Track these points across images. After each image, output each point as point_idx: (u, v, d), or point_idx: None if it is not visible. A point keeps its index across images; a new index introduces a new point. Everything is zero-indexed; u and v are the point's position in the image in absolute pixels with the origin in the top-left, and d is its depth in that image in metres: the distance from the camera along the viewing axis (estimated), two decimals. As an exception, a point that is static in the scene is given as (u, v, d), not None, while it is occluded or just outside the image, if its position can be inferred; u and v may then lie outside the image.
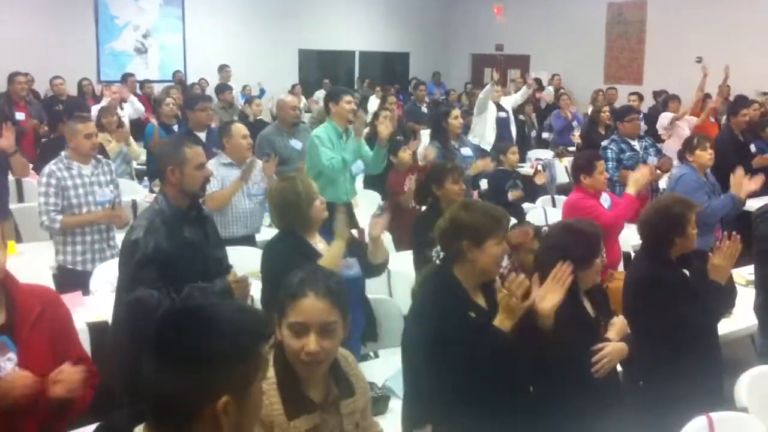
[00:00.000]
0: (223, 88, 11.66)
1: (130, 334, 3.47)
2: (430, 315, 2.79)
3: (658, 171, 6.76)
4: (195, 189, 3.56)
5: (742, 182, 5.45)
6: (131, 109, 10.13)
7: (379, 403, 3.11)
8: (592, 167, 5.09)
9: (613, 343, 3.01)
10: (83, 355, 2.84)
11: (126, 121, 9.18)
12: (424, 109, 12.66)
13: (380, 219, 3.85)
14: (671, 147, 8.68)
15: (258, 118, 9.42)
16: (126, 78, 12.42)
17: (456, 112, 7.08)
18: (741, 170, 5.54)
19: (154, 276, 3.34)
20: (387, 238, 5.36)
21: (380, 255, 3.85)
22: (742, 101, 9.63)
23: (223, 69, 13.88)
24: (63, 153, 4.91)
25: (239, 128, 5.52)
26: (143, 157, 8.31)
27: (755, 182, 5.48)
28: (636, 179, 5.10)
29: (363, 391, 2.38)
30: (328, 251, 3.63)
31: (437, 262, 2.98)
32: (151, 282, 3.34)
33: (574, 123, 10.95)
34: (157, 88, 12.92)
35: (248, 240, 5.40)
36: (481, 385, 2.67)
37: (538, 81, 14.38)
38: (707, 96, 10.67)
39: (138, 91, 12.56)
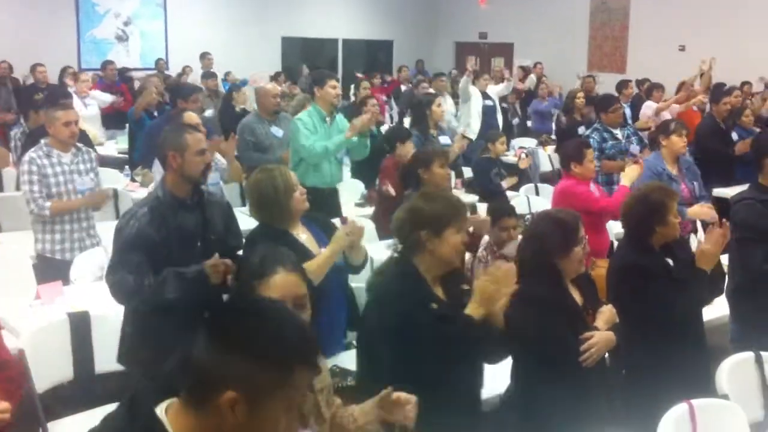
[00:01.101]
0: (208, 76, 11.59)
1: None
2: (391, 303, 2.77)
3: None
4: (196, 175, 3.53)
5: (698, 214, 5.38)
6: (95, 102, 9.99)
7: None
8: (582, 155, 5.10)
9: (601, 332, 3.01)
10: (8, 358, 2.85)
11: (92, 112, 9.15)
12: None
13: (356, 227, 3.71)
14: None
15: (241, 107, 9.36)
16: (105, 66, 12.31)
17: (439, 100, 7.09)
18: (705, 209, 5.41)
19: (136, 261, 3.31)
20: (369, 227, 5.34)
21: (358, 256, 3.78)
22: (722, 89, 9.69)
23: (204, 57, 13.78)
24: (43, 141, 4.88)
25: (192, 116, 5.49)
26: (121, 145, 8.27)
27: (706, 213, 5.42)
28: (628, 174, 5.12)
29: (325, 369, 2.41)
30: (321, 255, 3.57)
31: (395, 254, 2.95)
32: (133, 266, 3.31)
33: (553, 110, 11.06)
34: (138, 76, 12.84)
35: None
36: (444, 375, 2.67)
37: (525, 69, 14.40)
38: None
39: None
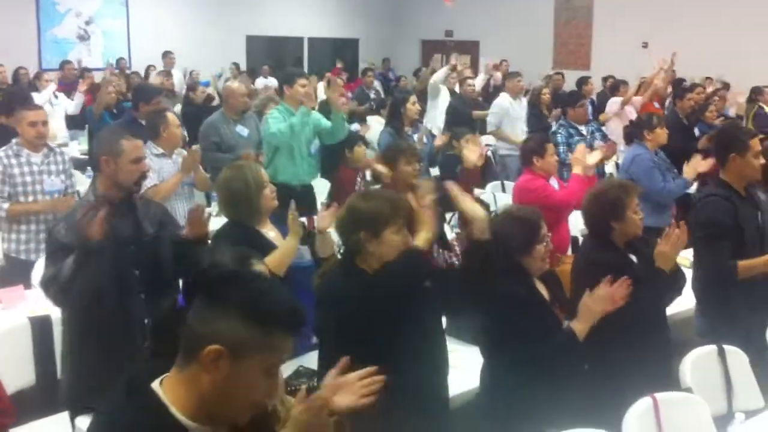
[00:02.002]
0: (164, 75, 11.46)
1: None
2: (331, 305, 2.77)
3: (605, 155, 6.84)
4: (129, 183, 3.40)
5: (696, 167, 5.58)
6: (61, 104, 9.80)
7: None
8: (544, 150, 5.13)
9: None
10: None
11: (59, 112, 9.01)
12: (372, 95, 12.70)
13: (327, 212, 3.73)
14: (614, 130, 8.81)
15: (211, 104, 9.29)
16: (63, 66, 12.13)
17: (413, 98, 7.09)
18: (697, 157, 5.65)
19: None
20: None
21: (328, 248, 3.76)
22: (684, 85, 9.81)
23: (166, 55, 13.64)
24: (14, 140, 4.84)
25: (174, 118, 5.45)
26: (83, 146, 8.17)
27: (706, 164, 5.56)
28: (576, 158, 5.22)
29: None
30: (280, 247, 3.55)
31: (338, 256, 2.93)
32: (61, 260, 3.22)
33: None
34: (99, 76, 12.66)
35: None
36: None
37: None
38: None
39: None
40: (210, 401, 1.59)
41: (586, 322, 3.05)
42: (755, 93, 11.09)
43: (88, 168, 7.55)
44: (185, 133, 7.05)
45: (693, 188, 6.59)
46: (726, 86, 11.95)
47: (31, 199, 4.76)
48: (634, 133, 6.18)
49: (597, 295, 3.06)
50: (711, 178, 4.43)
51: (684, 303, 4.37)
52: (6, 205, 4.68)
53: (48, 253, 3.33)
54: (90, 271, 3.10)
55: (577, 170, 5.11)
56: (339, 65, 14.98)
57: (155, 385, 1.62)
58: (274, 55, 17.32)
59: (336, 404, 1.98)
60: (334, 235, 3.37)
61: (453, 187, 3.02)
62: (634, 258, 3.53)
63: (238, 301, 1.57)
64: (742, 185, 4.05)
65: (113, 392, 1.64)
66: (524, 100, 9.11)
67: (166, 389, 1.61)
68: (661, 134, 6.03)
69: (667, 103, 10.14)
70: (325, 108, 7.57)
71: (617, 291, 3.06)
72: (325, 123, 6.06)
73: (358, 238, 2.75)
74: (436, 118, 9.16)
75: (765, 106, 10.44)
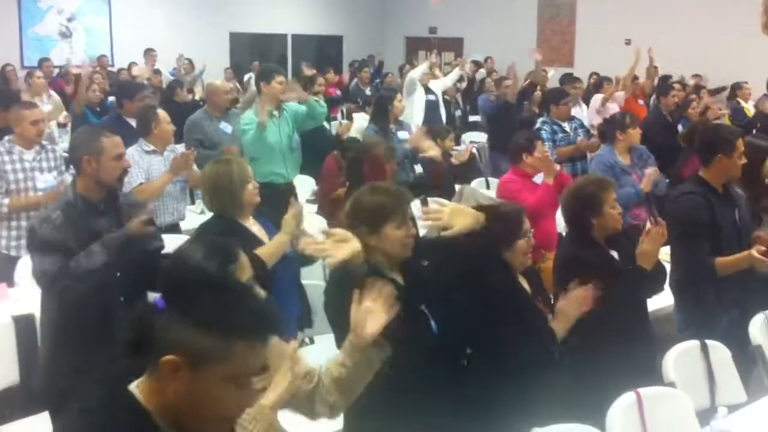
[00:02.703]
0: (153, 73, 11.44)
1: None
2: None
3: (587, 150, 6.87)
4: (111, 180, 3.40)
5: (650, 181, 5.57)
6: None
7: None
8: (533, 146, 5.15)
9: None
10: None
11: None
12: (368, 92, 12.69)
13: (290, 215, 3.71)
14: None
15: (195, 99, 9.25)
16: (41, 63, 12.05)
17: (400, 95, 7.08)
18: (653, 172, 5.65)
19: (58, 260, 3.22)
20: (322, 223, 5.32)
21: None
22: (668, 82, 9.87)
23: (148, 53, 13.55)
24: (6, 137, 4.84)
25: (165, 114, 5.43)
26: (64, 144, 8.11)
27: (655, 173, 5.60)
28: (550, 170, 5.10)
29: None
30: (272, 241, 3.58)
31: None
32: (55, 262, 3.21)
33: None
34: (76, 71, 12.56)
35: (174, 228, 5.33)
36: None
37: (476, 63, 14.45)
38: (635, 78, 10.91)
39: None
40: (177, 412, 1.53)
41: (564, 325, 3.09)
42: (735, 89, 11.19)
43: (71, 166, 7.52)
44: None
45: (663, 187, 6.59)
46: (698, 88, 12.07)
47: (22, 195, 4.76)
48: (606, 132, 6.13)
49: (571, 297, 3.10)
50: (689, 176, 4.45)
51: (666, 299, 4.42)
52: (6, 201, 4.70)
53: (35, 249, 3.28)
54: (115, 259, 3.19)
55: (548, 179, 5.07)
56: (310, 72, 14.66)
57: (134, 388, 1.57)
58: (258, 52, 17.26)
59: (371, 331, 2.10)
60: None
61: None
62: (615, 254, 3.56)
63: (196, 308, 1.51)
64: (721, 183, 4.08)
65: (91, 392, 1.60)
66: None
67: (143, 394, 1.56)
68: (634, 134, 5.91)
69: (651, 99, 10.18)
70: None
71: (588, 294, 3.09)
72: (302, 109, 6.03)
73: (359, 233, 2.68)
74: (412, 115, 9.16)
75: (742, 101, 10.53)
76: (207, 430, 1.57)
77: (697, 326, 3.91)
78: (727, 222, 3.99)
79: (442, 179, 6.70)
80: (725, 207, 4.04)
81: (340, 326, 2.48)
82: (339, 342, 2.54)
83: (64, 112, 8.68)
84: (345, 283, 2.46)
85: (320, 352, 3.54)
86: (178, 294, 1.56)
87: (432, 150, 6.15)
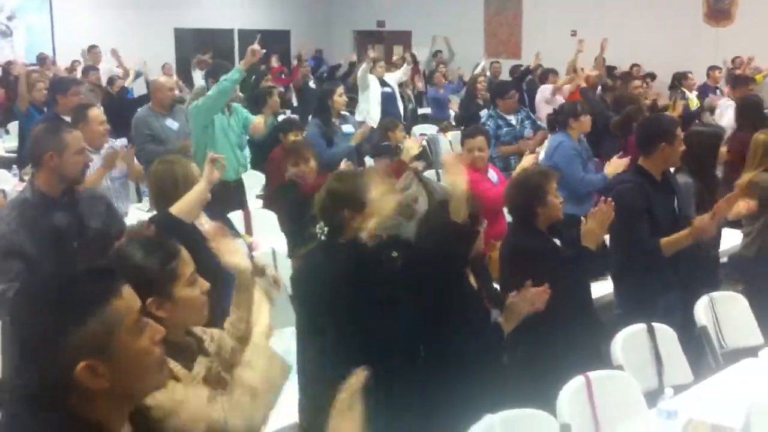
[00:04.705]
0: (88, 70, 11.22)
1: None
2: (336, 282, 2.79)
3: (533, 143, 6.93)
4: (74, 174, 3.43)
5: (617, 167, 5.59)
6: None
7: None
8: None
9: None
10: None
11: None
12: (312, 85, 12.65)
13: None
14: (546, 118, 8.95)
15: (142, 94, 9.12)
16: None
17: (341, 89, 7.06)
18: (619, 160, 5.70)
19: (15, 269, 3.18)
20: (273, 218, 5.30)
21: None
22: (614, 73, 10.05)
23: (91, 50, 13.28)
24: None
25: (97, 114, 5.27)
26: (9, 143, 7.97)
27: (624, 163, 5.67)
28: (523, 164, 5.19)
29: (220, 333, 2.40)
30: (186, 195, 3.47)
31: (322, 237, 2.96)
32: (12, 275, 3.17)
33: (451, 96, 11.27)
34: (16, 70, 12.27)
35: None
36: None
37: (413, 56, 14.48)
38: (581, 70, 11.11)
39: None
40: (120, 402, 1.56)
41: (512, 321, 3.13)
42: (678, 79, 11.41)
43: (14, 166, 7.36)
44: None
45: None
46: (652, 76, 12.33)
47: None
48: (559, 121, 6.27)
49: (523, 295, 3.14)
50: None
51: (611, 286, 4.50)
52: None
53: None
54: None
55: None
56: (276, 64, 14.63)
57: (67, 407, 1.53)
58: (203, 48, 17.03)
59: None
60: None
61: (446, 157, 3.08)
62: (557, 241, 3.62)
63: (62, 311, 1.48)
64: (660, 172, 4.17)
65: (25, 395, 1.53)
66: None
67: (79, 412, 1.52)
68: (586, 122, 6.14)
69: (598, 90, 10.32)
70: (252, 101, 7.55)
71: (539, 296, 3.14)
72: (252, 118, 6.06)
73: (342, 217, 2.87)
74: (369, 110, 9.16)
75: (686, 92, 10.74)
76: (149, 384, 1.60)
77: (637, 311, 3.98)
78: (665, 210, 4.08)
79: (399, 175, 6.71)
80: (664, 195, 4.12)
81: None
82: None
83: None
84: None
85: (277, 345, 3.54)
86: (41, 312, 1.49)
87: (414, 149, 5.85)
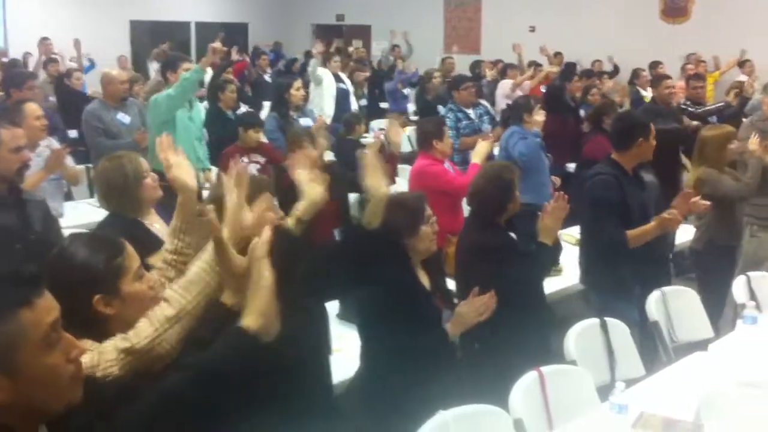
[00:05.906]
0: (50, 62, 10.98)
1: None
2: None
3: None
4: (9, 173, 3.31)
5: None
6: None
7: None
8: (442, 132, 5.19)
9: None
10: None
11: None
12: (268, 78, 12.54)
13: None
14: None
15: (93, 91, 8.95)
16: None
17: (298, 83, 7.02)
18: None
19: None
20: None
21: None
22: (573, 69, 10.14)
23: (42, 42, 12.98)
24: None
25: (33, 109, 5.05)
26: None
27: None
28: (478, 151, 5.20)
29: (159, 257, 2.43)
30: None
31: None
32: None
33: (406, 90, 11.38)
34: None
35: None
36: None
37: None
38: (539, 65, 11.24)
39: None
40: (27, 410, 1.43)
41: (460, 328, 3.10)
42: (634, 76, 11.52)
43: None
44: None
45: (572, 167, 6.86)
46: (616, 69, 12.47)
47: None
48: (513, 116, 6.28)
49: (471, 304, 3.11)
50: (601, 159, 4.56)
51: (570, 279, 4.53)
52: None
53: None
54: None
55: (476, 159, 5.13)
56: (239, 56, 14.40)
57: None
58: (159, 41, 16.79)
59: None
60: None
61: (366, 159, 2.93)
62: (513, 235, 3.63)
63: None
64: (632, 166, 4.21)
65: None
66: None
67: None
68: (539, 117, 6.11)
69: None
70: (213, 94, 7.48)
71: (486, 305, 3.11)
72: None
73: None
74: (323, 105, 9.11)
75: (641, 90, 10.86)
76: (60, 400, 1.47)
77: (610, 303, 4.01)
78: (636, 203, 4.12)
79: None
80: (635, 188, 4.18)
81: None
82: None
83: None
84: None
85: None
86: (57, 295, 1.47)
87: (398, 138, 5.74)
